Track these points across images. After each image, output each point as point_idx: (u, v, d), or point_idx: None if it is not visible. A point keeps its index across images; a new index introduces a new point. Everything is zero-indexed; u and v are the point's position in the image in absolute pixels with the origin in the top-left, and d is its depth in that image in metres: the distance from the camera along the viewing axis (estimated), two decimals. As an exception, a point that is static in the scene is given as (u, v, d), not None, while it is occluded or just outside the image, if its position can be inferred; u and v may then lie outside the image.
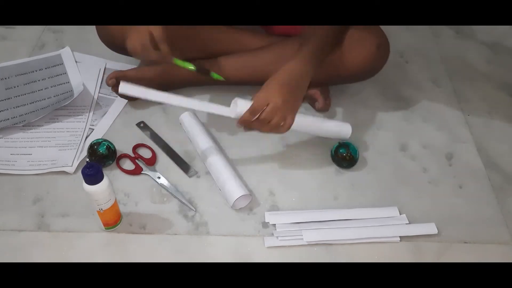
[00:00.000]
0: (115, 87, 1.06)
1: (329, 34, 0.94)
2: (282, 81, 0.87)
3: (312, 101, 1.10)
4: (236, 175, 0.93)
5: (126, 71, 1.08)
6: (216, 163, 0.95)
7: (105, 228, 0.87)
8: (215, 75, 0.95)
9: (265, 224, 0.89)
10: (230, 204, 0.89)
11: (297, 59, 0.89)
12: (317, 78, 0.93)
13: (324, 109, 1.09)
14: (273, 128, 0.88)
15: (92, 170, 0.76)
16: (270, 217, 0.89)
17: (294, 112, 0.89)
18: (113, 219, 0.86)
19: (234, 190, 0.89)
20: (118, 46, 1.08)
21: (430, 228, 0.88)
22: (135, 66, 1.17)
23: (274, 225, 0.88)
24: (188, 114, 1.04)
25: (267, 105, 0.85)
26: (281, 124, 0.87)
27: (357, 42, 0.98)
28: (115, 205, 0.84)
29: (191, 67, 0.95)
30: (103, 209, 0.82)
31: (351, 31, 0.99)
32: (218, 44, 1.08)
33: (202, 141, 0.99)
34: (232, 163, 0.98)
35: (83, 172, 0.77)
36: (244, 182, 0.94)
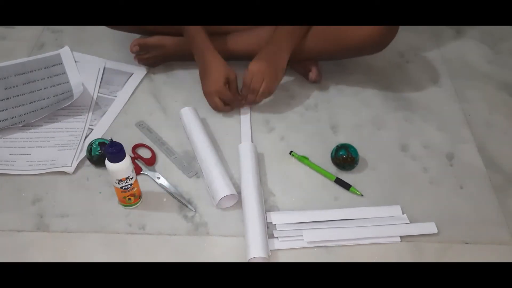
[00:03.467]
0: (138, 55, 1.15)
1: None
2: (259, 57, 1.02)
3: (306, 72, 1.15)
4: (225, 173, 0.92)
5: (148, 39, 1.13)
6: (207, 160, 0.95)
7: (124, 206, 0.90)
8: (354, 189, 0.95)
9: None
10: (215, 203, 0.89)
11: (271, 40, 1.03)
12: (326, 49, 1.03)
13: (317, 80, 1.15)
14: (262, 95, 1.04)
15: (115, 149, 0.80)
16: (273, 217, 0.89)
17: (276, 80, 1.04)
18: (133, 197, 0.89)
19: (220, 189, 0.89)
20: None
21: (430, 228, 0.87)
22: (135, 66, 1.18)
23: (275, 225, 0.88)
24: (188, 109, 1.04)
25: (252, 77, 1.02)
26: (267, 91, 1.04)
27: None
28: (136, 182, 0.87)
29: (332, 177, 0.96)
30: (124, 187, 0.85)
31: None
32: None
33: (196, 137, 0.99)
34: (226, 162, 0.98)
35: (106, 151, 0.80)
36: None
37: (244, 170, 0.93)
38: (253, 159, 0.95)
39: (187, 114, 1.04)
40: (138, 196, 0.90)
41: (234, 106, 1.08)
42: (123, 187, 0.85)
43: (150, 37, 1.13)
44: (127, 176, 0.84)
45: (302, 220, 0.89)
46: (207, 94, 1.06)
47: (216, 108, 1.07)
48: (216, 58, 1.04)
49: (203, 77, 1.06)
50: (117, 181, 0.84)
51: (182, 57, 1.13)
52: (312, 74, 1.14)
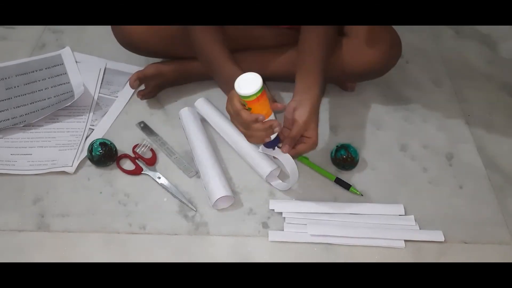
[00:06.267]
0: (140, 92, 1.10)
1: (327, 46, 0.95)
2: (315, 117, 0.88)
3: (345, 87, 1.15)
4: (221, 174, 0.93)
5: (145, 70, 1.08)
6: (203, 161, 0.95)
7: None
8: (353, 189, 0.94)
9: (265, 224, 0.89)
10: (211, 203, 0.89)
11: (315, 89, 0.89)
12: (330, 75, 0.97)
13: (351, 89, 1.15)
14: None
15: None
16: (274, 205, 0.91)
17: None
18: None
19: (216, 190, 0.89)
20: (136, 47, 1.10)
21: (436, 235, 0.87)
22: (136, 66, 1.18)
23: (281, 213, 0.90)
24: (187, 110, 1.05)
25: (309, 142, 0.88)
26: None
27: (371, 40, 0.99)
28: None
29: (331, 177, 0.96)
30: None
31: (365, 29, 0.99)
32: (238, 40, 1.09)
33: (194, 138, 1.00)
34: (224, 163, 0.98)
35: None
36: (245, 182, 0.94)
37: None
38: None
39: (187, 115, 1.04)
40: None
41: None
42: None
43: (146, 68, 1.09)
44: None
45: (306, 210, 0.90)
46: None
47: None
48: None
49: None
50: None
51: (180, 82, 1.13)
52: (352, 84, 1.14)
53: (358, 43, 1.00)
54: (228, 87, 0.88)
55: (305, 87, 0.89)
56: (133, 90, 1.13)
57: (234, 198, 0.91)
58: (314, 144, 0.89)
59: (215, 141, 1.03)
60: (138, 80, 1.07)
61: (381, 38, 1.00)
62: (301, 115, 0.86)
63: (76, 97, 1.08)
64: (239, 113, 0.82)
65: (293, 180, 0.90)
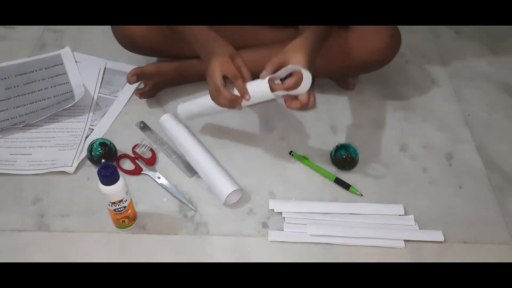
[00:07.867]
0: (138, 90, 1.10)
1: (323, 31, 0.96)
2: (303, 50, 0.88)
3: (345, 85, 1.15)
4: (224, 172, 0.93)
5: (145, 67, 1.09)
6: (203, 162, 0.95)
7: (117, 228, 0.87)
8: (353, 189, 0.94)
9: (265, 224, 0.89)
10: (222, 201, 0.89)
11: (304, 50, 0.89)
12: (331, 67, 0.96)
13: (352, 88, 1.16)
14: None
15: (108, 171, 0.77)
16: (274, 205, 0.91)
17: None
18: (127, 219, 0.86)
19: (224, 187, 0.90)
20: (135, 46, 1.10)
21: (436, 235, 0.87)
22: (135, 66, 1.18)
23: (281, 213, 0.90)
24: (168, 116, 1.04)
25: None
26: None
27: (371, 31, 1.00)
28: (130, 204, 0.84)
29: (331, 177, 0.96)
30: (117, 209, 0.82)
31: None
32: (236, 38, 1.08)
33: (186, 142, 0.99)
34: (220, 162, 0.98)
35: (99, 174, 0.77)
36: (245, 182, 0.94)
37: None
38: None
39: (169, 120, 1.03)
40: (132, 218, 0.87)
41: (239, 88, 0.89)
42: (117, 210, 0.83)
43: (146, 65, 1.10)
44: (120, 199, 0.81)
45: (306, 210, 0.90)
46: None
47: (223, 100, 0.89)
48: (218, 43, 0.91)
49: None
50: (110, 203, 0.81)
51: (180, 82, 1.13)
52: (353, 81, 1.14)
53: (360, 33, 1.01)
54: (205, 50, 0.92)
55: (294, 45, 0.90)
56: (133, 90, 1.13)
57: (242, 191, 0.92)
58: (305, 79, 0.84)
59: (203, 143, 1.03)
60: (136, 75, 1.07)
61: (382, 28, 1.01)
62: (288, 47, 0.88)
63: (76, 99, 1.08)
64: (220, 91, 0.87)
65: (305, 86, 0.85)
